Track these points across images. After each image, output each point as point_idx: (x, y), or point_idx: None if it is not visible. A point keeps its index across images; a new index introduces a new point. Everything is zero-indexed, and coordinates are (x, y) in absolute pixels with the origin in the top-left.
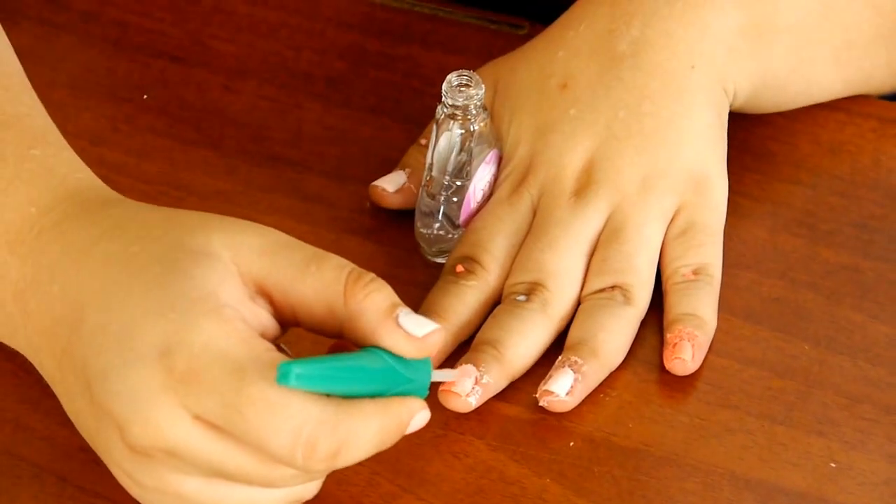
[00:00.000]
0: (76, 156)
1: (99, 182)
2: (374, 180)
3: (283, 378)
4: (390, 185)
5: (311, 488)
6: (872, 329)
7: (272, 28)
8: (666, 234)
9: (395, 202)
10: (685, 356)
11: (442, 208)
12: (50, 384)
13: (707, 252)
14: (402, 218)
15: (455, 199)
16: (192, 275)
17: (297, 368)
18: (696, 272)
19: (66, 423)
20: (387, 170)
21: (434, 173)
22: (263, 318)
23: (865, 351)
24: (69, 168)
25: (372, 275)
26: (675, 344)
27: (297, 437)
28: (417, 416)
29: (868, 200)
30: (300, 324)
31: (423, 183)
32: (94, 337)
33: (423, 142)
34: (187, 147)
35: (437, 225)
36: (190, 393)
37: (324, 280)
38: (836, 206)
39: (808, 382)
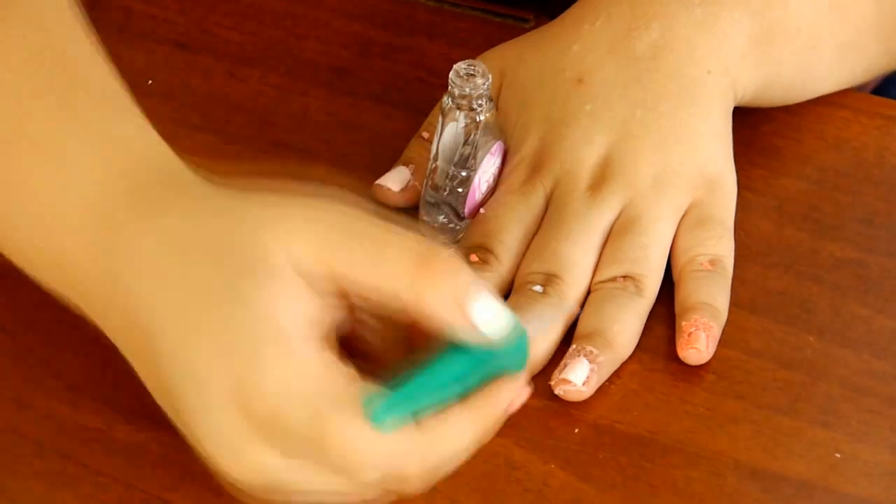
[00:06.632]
0: (151, 129)
1: (169, 155)
2: (378, 167)
3: (371, 416)
4: (395, 183)
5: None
6: (877, 323)
7: (277, 17)
8: (679, 226)
9: (400, 201)
10: (700, 346)
11: (447, 199)
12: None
13: (722, 245)
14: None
15: (460, 190)
16: (255, 302)
17: (386, 402)
18: (712, 262)
19: (68, 401)
20: (391, 157)
21: (439, 163)
22: (335, 314)
23: (870, 344)
24: (145, 143)
25: (446, 254)
26: (691, 333)
27: (386, 469)
28: (512, 396)
29: (872, 196)
30: (371, 308)
31: (427, 174)
32: (171, 369)
33: (424, 135)
34: (192, 133)
35: (441, 216)
36: (273, 435)
37: (391, 264)
38: (840, 202)
39: (813, 374)
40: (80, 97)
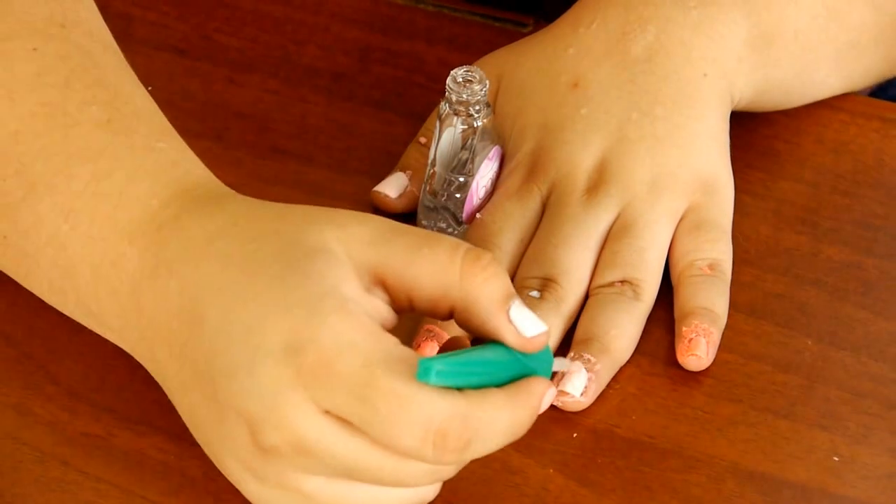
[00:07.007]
0: (194, 154)
1: (214, 178)
2: (377, 173)
3: (423, 375)
4: (393, 190)
5: (431, 491)
6: (875, 326)
7: (277, 23)
8: (676, 230)
9: (398, 207)
10: (700, 352)
11: (445, 205)
12: (160, 380)
13: (720, 248)
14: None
15: (458, 196)
16: (311, 271)
17: (438, 366)
18: (711, 267)
19: (68, 408)
20: (390, 163)
21: (437, 169)
22: (381, 308)
23: (868, 347)
24: (192, 164)
25: (489, 256)
26: (691, 340)
27: (427, 430)
28: (545, 397)
29: (870, 199)
30: (415, 308)
31: (425, 179)
32: (217, 336)
33: (422, 140)
34: (191, 139)
35: (440, 222)
36: (320, 388)
37: (438, 261)
38: (838, 205)
39: (811, 377)
40: (125, 115)
